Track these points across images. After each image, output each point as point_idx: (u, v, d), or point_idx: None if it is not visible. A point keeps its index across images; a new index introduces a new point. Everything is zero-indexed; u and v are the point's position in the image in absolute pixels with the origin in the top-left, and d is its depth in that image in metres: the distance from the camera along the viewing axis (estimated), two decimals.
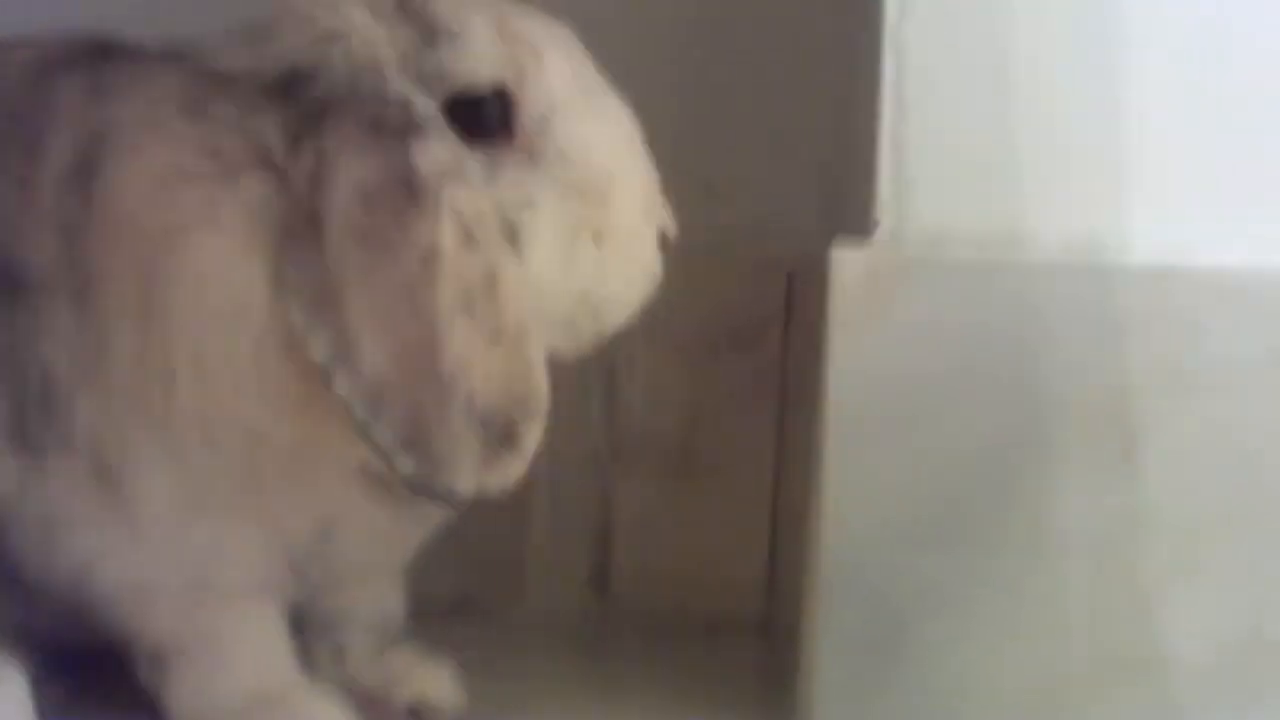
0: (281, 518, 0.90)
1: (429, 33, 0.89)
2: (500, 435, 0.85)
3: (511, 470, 0.86)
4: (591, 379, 1.24)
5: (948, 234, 0.95)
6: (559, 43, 0.93)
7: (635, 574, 1.27)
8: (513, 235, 0.89)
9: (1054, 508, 0.94)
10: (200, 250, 0.86)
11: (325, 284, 0.84)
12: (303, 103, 0.87)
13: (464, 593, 1.25)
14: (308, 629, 0.98)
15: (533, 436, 0.87)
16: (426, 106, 0.88)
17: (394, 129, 0.86)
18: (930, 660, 0.93)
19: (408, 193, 0.85)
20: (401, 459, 0.84)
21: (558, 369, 0.90)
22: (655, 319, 0.96)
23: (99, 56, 0.92)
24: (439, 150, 0.87)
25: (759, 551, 1.27)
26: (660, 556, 1.26)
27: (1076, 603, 0.94)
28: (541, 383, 0.88)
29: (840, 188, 1.17)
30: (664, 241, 0.95)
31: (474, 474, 0.85)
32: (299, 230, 0.85)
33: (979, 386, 0.93)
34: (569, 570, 1.27)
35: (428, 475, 0.84)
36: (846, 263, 0.93)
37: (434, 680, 1.01)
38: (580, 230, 0.91)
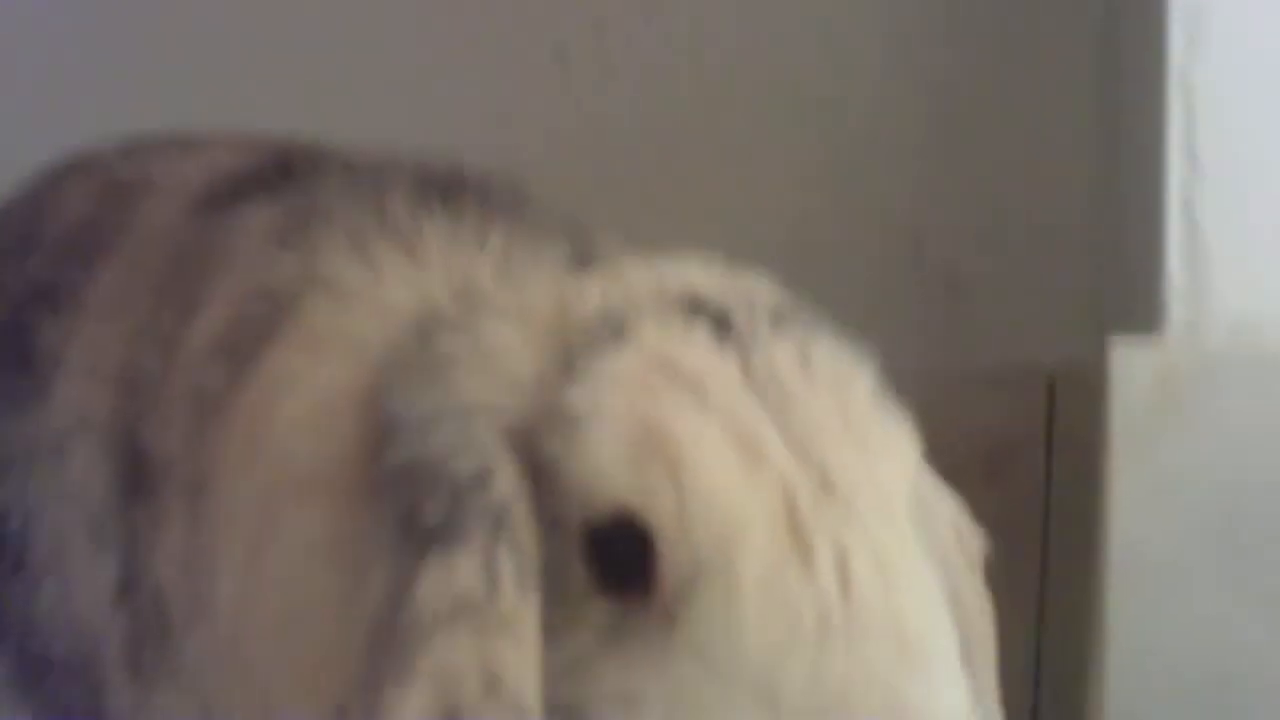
0: None
1: (552, 410, 0.63)
2: None
3: None
4: None
5: (1257, 318, 0.86)
6: (748, 431, 0.62)
7: None
8: None
9: None
10: (309, 510, 0.67)
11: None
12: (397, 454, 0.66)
13: None
14: None
15: None
16: (504, 504, 0.63)
17: (425, 530, 0.63)
18: None
19: (393, 634, 0.62)
20: None
21: None
22: None
23: (290, 178, 0.77)
24: (468, 574, 0.62)
25: None
26: None
27: None
28: None
29: (1111, 273, 1.09)
30: None
31: None
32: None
33: None
34: None
35: None
36: (1131, 362, 0.85)
37: None
38: None
